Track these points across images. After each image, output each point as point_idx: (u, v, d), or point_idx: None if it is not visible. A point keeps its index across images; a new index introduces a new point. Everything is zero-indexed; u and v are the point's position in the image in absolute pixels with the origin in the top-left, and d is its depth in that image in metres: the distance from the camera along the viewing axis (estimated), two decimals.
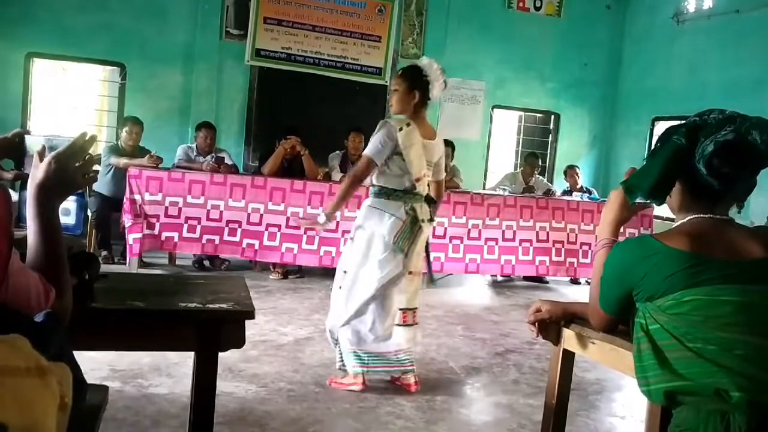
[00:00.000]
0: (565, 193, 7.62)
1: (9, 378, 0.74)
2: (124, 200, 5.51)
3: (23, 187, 1.37)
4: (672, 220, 1.66)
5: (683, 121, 1.58)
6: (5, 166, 1.58)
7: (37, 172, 1.27)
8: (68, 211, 5.74)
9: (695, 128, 1.53)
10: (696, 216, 1.56)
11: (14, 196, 5.29)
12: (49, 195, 1.29)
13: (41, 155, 1.29)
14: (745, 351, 1.37)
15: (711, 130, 1.50)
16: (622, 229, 1.82)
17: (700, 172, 1.50)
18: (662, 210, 1.72)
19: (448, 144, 6.74)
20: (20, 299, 1.14)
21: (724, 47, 7.48)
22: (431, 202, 3.47)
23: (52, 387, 0.78)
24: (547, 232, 6.41)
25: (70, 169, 1.30)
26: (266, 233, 5.74)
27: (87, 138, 1.33)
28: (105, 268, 2.20)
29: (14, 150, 1.47)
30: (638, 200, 1.62)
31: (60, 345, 1.11)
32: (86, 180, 1.36)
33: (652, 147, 1.62)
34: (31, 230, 1.29)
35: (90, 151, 1.35)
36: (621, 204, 1.78)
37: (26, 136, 1.45)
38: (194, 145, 6.47)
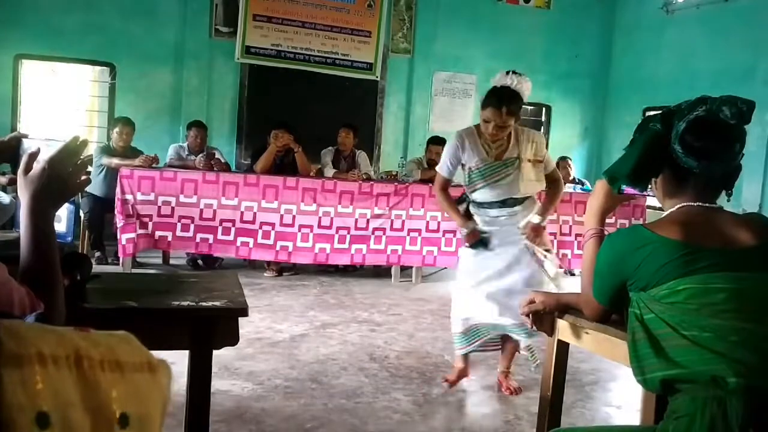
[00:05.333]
0: None
1: (128, 372, 0.80)
2: (115, 201, 5.50)
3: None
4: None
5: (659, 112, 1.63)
6: (1, 170, 1.54)
7: (28, 177, 1.23)
8: (59, 217, 5.70)
9: (670, 114, 1.58)
10: (685, 204, 1.57)
11: (6, 198, 5.21)
12: (45, 203, 1.24)
13: (33, 157, 1.25)
14: (740, 337, 1.37)
15: (684, 112, 1.55)
16: (614, 220, 1.83)
17: (677, 153, 1.53)
18: (655, 200, 1.74)
19: (440, 142, 6.73)
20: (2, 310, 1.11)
21: (713, 36, 7.50)
22: None
23: (159, 383, 0.85)
24: None
25: (64, 174, 1.26)
26: (260, 231, 5.73)
27: (79, 141, 1.30)
28: (98, 268, 2.20)
29: (11, 154, 1.44)
30: (624, 188, 1.64)
31: None
32: (80, 185, 1.32)
33: (631, 137, 1.65)
34: (23, 241, 1.24)
35: (82, 155, 1.31)
36: (606, 193, 1.80)
37: (23, 140, 1.41)
38: (185, 145, 6.46)
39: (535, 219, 3.32)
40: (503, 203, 3.34)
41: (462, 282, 3.47)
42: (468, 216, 3.43)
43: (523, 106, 3.50)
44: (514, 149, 3.31)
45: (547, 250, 3.38)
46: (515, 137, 3.32)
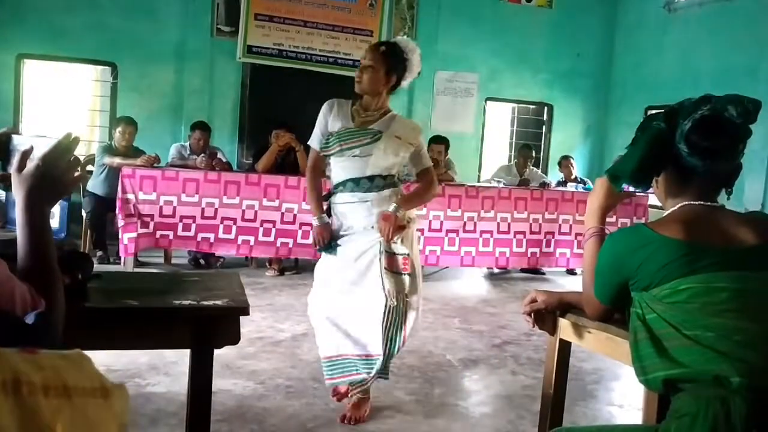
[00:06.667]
0: (560, 184, 7.62)
1: (77, 398, 0.75)
2: (117, 200, 5.50)
3: (10, 188, 1.31)
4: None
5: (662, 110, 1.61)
6: None
7: (22, 175, 1.23)
8: (52, 214, 5.68)
9: (673, 113, 1.57)
10: (687, 203, 1.57)
11: (1, 195, 5.19)
12: (39, 201, 1.24)
13: (27, 154, 1.25)
14: (744, 337, 1.37)
15: (688, 111, 1.54)
16: (616, 219, 1.83)
17: (682, 153, 1.53)
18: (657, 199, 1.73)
19: (442, 141, 6.72)
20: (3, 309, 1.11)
21: (715, 35, 7.48)
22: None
23: (114, 408, 0.79)
24: (540, 224, 6.41)
25: (58, 170, 1.25)
26: (261, 229, 5.73)
27: (71, 138, 1.30)
28: (100, 268, 2.20)
29: (2, 150, 1.42)
30: (625, 187, 1.64)
31: (51, 347, 1.09)
32: (74, 181, 1.32)
33: (634, 136, 1.64)
34: (20, 240, 1.24)
35: (75, 152, 1.31)
36: (606, 191, 1.80)
37: (14, 136, 1.40)
38: (187, 144, 6.44)
39: (391, 207, 2.94)
40: (356, 183, 3.04)
41: (315, 295, 3.13)
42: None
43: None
44: (382, 125, 3.07)
45: (400, 254, 2.97)
46: (389, 117, 3.11)
